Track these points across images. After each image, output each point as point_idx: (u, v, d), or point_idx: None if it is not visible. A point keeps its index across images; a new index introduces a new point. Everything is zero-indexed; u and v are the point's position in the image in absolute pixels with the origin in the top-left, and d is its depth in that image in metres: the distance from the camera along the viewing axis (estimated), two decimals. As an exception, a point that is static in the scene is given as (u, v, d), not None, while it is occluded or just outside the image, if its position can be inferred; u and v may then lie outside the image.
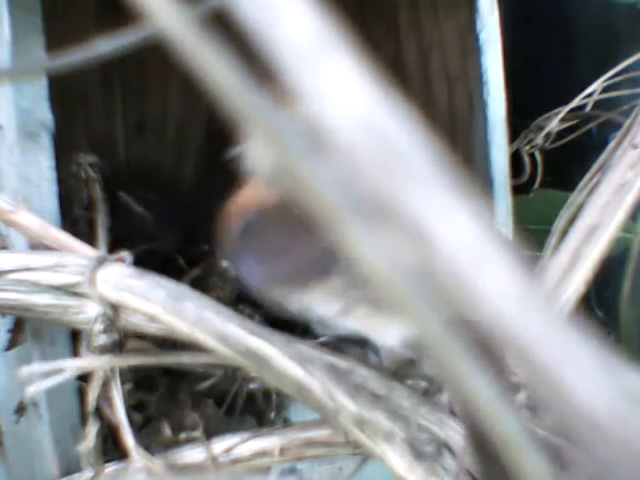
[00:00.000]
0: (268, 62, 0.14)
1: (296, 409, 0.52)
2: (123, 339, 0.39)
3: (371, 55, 0.16)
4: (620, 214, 0.42)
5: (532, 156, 0.67)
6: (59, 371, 0.39)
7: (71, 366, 0.39)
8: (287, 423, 0.53)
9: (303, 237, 0.31)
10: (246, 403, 0.51)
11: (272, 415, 0.52)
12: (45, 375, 0.39)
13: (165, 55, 0.17)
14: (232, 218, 0.38)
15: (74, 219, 0.48)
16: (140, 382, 0.48)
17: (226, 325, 0.36)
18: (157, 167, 0.72)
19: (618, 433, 0.14)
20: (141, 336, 0.43)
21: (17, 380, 0.44)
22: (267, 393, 0.52)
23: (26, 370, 0.39)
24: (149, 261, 0.56)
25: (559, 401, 0.14)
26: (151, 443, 0.46)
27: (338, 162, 0.14)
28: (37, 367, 0.39)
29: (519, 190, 0.65)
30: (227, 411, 0.50)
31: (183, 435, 0.47)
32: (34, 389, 0.38)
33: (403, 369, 0.40)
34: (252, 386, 0.50)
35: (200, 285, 0.56)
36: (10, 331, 0.44)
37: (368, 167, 0.14)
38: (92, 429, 0.41)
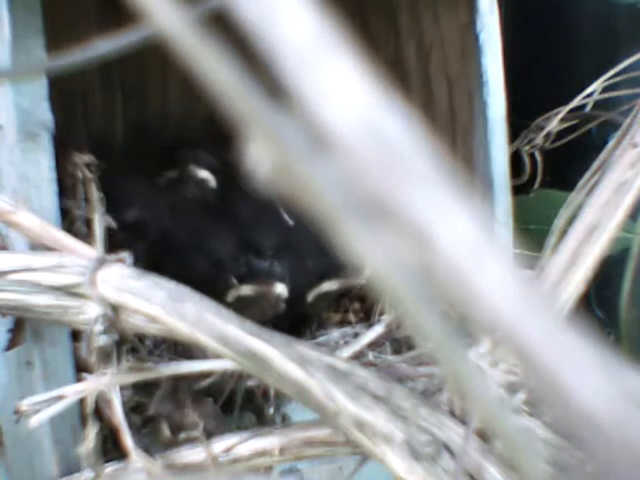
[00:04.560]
0: (268, 62, 0.14)
1: (296, 406, 0.52)
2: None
3: (371, 55, 0.16)
4: (620, 213, 0.42)
5: (532, 156, 0.67)
6: (60, 398, 0.39)
7: (71, 392, 0.39)
8: (286, 420, 0.53)
9: None
10: (245, 400, 0.51)
11: (271, 411, 0.52)
12: (47, 402, 0.39)
13: (165, 55, 0.17)
14: None
15: (71, 219, 0.48)
16: (139, 382, 0.48)
17: (226, 326, 0.36)
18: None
19: (618, 433, 0.14)
20: (137, 349, 0.43)
21: (17, 380, 0.44)
22: (266, 390, 0.51)
23: (27, 402, 0.39)
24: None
25: (559, 401, 0.14)
26: (151, 443, 0.46)
27: (338, 162, 0.14)
28: (39, 397, 0.39)
29: (519, 190, 0.65)
30: (226, 408, 0.50)
31: (183, 435, 0.47)
32: (36, 420, 0.39)
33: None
34: (250, 383, 0.50)
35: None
36: (10, 331, 0.44)
37: (368, 167, 0.14)
38: (92, 430, 0.41)
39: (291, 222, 0.55)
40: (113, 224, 0.49)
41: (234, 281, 0.51)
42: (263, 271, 0.52)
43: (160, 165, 0.61)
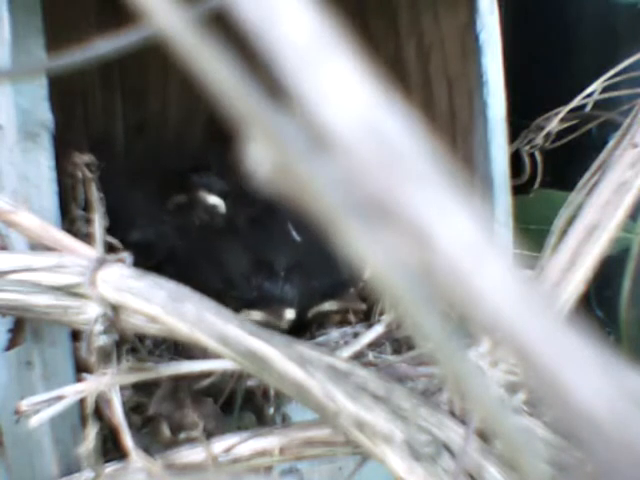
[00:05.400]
0: (268, 62, 0.14)
1: (296, 406, 0.52)
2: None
3: (371, 55, 0.16)
4: (620, 213, 0.42)
5: (532, 156, 0.67)
6: (60, 398, 0.39)
7: (71, 392, 0.39)
8: (286, 420, 0.53)
9: None
10: (245, 400, 0.51)
11: (271, 411, 0.52)
12: (47, 402, 0.39)
13: (165, 55, 0.17)
14: None
15: (72, 219, 0.48)
16: (139, 382, 0.48)
17: (226, 326, 0.36)
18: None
19: (618, 433, 0.14)
20: (137, 349, 0.43)
21: (17, 380, 0.44)
22: (266, 390, 0.51)
23: (27, 402, 0.39)
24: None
25: (559, 401, 0.14)
26: (151, 443, 0.46)
27: (338, 162, 0.14)
28: (39, 397, 0.39)
29: (519, 190, 0.65)
30: (226, 408, 0.50)
31: (183, 435, 0.47)
32: (36, 420, 0.39)
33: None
34: (250, 383, 0.50)
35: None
36: (10, 331, 0.44)
37: (368, 167, 0.14)
38: (92, 430, 0.41)
39: (298, 238, 0.55)
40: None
41: (243, 308, 0.52)
42: (275, 296, 0.53)
43: (170, 189, 0.60)
